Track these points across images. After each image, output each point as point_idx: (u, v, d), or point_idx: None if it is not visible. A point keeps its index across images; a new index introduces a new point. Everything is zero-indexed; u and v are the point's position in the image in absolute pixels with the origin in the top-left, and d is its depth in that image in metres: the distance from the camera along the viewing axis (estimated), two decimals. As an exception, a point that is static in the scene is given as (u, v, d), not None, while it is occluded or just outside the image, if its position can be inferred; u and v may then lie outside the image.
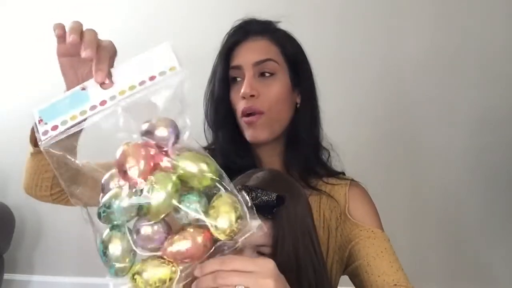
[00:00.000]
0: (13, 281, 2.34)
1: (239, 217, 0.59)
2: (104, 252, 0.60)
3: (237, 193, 0.61)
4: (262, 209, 0.76)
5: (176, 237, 0.58)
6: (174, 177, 0.58)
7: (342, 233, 0.95)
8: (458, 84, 2.03)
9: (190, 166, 0.59)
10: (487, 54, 2.01)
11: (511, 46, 2.00)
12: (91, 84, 0.65)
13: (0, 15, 2.32)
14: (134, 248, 0.58)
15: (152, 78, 0.63)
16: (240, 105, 0.96)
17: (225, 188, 0.60)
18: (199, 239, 0.58)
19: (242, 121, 0.97)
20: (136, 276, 0.58)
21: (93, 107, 0.62)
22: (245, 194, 0.63)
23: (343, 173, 1.04)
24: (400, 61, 2.07)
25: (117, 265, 0.58)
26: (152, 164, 0.58)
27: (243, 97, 0.95)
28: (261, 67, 0.97)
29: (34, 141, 0.85)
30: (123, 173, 0.58)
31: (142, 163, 0.58)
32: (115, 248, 0.59)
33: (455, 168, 2.05)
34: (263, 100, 0.96)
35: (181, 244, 0.57)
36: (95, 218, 0.60)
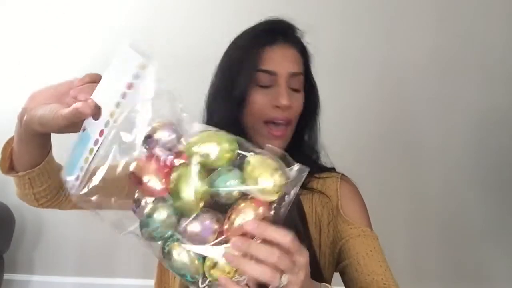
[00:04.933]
0: (13, 281, 2.33)
1: (276, 170, 0.57)
2: (172, 266, 0.59)
3: (260, 149, 0.60)
4: None
5: (233, 216, 0.57)
6: (194, 166, 0.57)
7: (334, 228, 0.96)
8: (459, 85, 2.03)
9: (204, 149, 0.58)
10: (488, 55, 2.01)
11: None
12: (87, 121, 0.64)
13: (0, 15, 2.32)
14: (195, 251, 0.58)
15: (129, 86, 0.60)
16: (272, 113, 0.94)
17: (248, 151, 0.59)
18: (253, 209, 0.57)
19: (267, 127, 0.95)
20: (212, 271, 0.57)
21: (95, 142, 0.62)
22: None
23: (333, 169, 1.05)
24: (401, 63, 2.07)
25: (190, 273, 0.59)
26: (166, 171, 0.58)
27: (277, 107, 0.94)
28: (294, 79, 0.97)
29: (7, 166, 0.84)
30: (145, 189, 0.58)
31: (156, 176, 0.58)
32: (181, 258, 0.59)
33: (455, 168, 2.05)
34: (292, 112, 0.96)
35: (239, 220, 0.56)
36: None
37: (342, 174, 1.03)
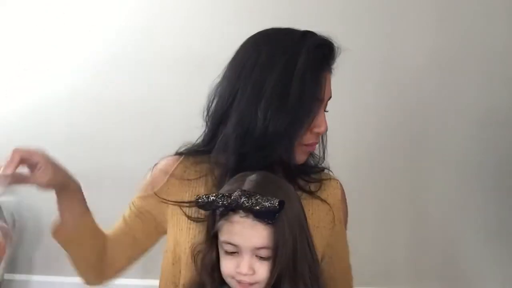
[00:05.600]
0: (13, 281, 2.33)
1: None
2: None
3: None
4: (263, 215, 0.76)
5: None
6: None
7: (330, 234, 1.00)
8: (459, 85, 2.03)
9: None
10: (489, 55, 2.01)
11: (512, 46, 2.01)
12: None
13: (0, 15, 2.32)
14: None
15: None
16: (310, 139, 0.97)
17: None
18: None
19: (304, 147, 0.97)
20: None
21: None
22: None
23: (325, 169, 1.06)
24: (401, 63, 2.07)
25: None
26: None
27: (318, 133, 0.96)
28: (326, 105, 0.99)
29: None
30: None
31: None
32: None
33: (456, 168, 2.05)
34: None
35: None
36: None
37: (338, 180, 1.06)
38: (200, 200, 0.80)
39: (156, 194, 1.01)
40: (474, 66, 2.02)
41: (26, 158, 0.87)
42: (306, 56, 0.94)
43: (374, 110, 2.07)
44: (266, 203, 0.75)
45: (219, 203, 0.78)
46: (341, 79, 2.11)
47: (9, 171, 0.84)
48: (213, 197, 0.79)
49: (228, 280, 0.82)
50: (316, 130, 0.95)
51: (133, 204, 1.05)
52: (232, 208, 0.78)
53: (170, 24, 2.17)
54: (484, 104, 2.03)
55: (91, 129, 2.19)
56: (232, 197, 0.77)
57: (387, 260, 2.07)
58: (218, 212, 0.81)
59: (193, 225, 0.96)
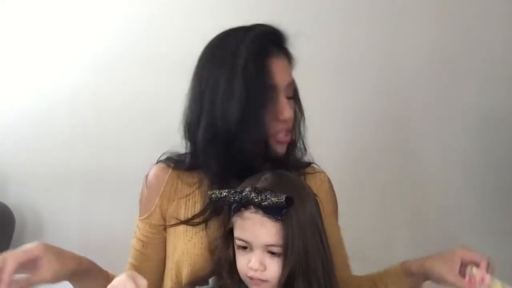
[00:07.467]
0: (13, 281, 2.33)
1: None
2: None
3: None
4: (271, 211, 0.79)
5: None
6: None
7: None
8: (460, 86, 2.04)
9: None
10: (489, 55, 2.02)
11: None
12: None
13: (0, 15, 2.32)
14: None
15: None
16: (276, 126, 0.96)
17: None
18: None
19: (276, 137, 0.97)
20: None
21: None
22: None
23: (311, 163, 1.08)
24: (401, 64, 2.07)
25: None
26: None
27: (283, 120, 0.95)
28: (291, 91, 0.98)
29: None
30: None
31: None
32: None
33: (456, 169, 2.05)
34: (292, 120, 0.99)
35: None
36: None
37: (325, 172, 1.08)
38: (213, 196, 0.84)
39: (152, 214, 1.03)
40: (474, 66, 2.02)
41: (23, 262, 0.86)
42: (247, 47, 0.94)
43: (373, 110, 2.07)
44: (274, 199, 0.78)
45: (231, 198, 0.82)
46: (341, 79, 2.12)
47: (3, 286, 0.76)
48: (225, 193, 0.83)
49: (243, 277, 0.85)
50: (280, 117, 0.95)
51: (138, 229, 1.06)
52: (243, 204, 0.81)
53: (171, 25, 2.17)
54: (484, 104, 2.03)
55: (92, 130, 2.19)
56: (243, 193, 0.81)
57: (387, 260, 2.06)
58: (232, 208, 0.85)
59: (189, 228, 0.98)
